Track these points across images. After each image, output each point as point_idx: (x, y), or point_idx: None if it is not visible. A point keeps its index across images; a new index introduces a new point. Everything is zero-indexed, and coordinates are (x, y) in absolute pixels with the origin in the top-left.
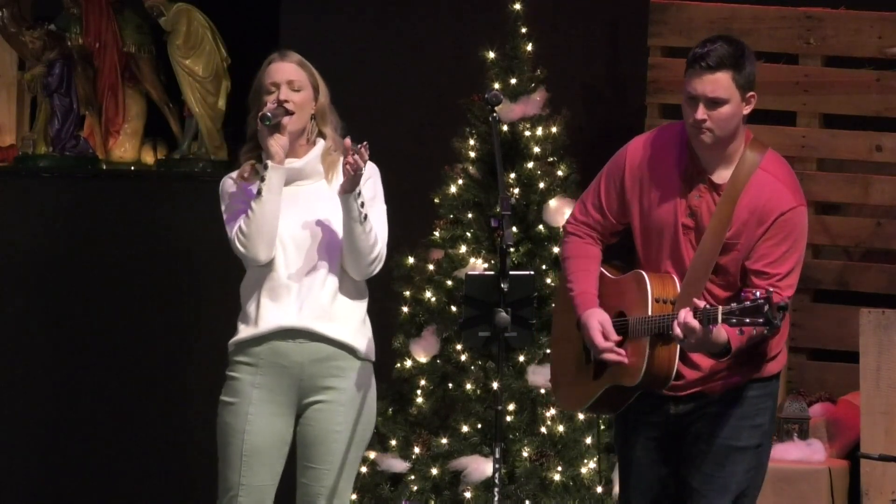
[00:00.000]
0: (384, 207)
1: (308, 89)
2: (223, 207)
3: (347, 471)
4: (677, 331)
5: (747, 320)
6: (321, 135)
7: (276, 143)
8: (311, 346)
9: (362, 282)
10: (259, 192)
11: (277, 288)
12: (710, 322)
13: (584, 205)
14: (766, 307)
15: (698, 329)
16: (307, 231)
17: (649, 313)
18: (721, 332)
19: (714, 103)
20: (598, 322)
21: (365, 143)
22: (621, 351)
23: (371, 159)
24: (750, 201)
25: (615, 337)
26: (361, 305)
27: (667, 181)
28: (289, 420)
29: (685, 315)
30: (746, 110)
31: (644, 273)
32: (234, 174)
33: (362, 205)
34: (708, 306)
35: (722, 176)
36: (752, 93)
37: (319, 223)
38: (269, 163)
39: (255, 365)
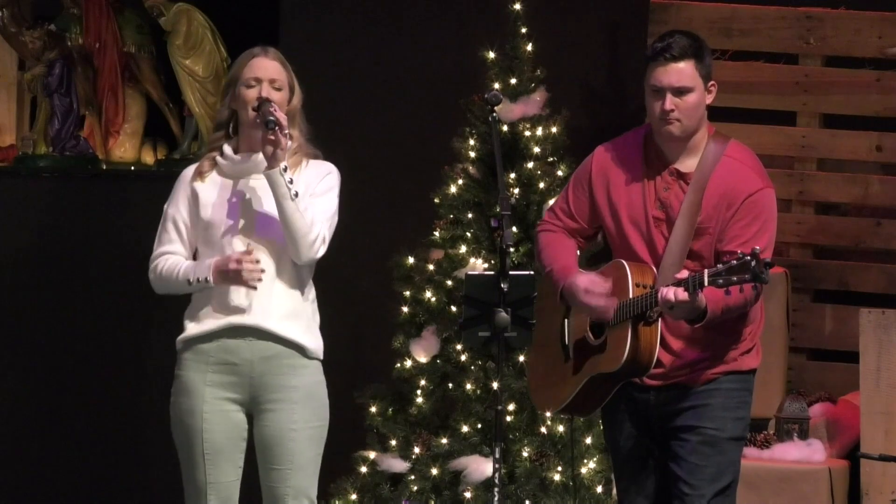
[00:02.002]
0: (336, 202)
1: (286, 90)
2: (167, 205)
3: (310, 468)
4: (668, 294)
5: (734, 278)
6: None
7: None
8: (260, 343)
9: (310, 281)
10: (191, 282)
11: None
12: (698, 287)
13: (553, 212)
14: (754, 262)
15: (685, 299)
16: (259, 227)
17: (630, 297)
18: (701, 297)
19: (680, 92)
20: (586, 279)
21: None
22: (611, 299)
23: (372, 159)
24: (718, 186)
25: (606, 285)
26: (311, 305)
27: (634, 178)
28: (243, 415)
29: (666, 291)
30: (709, 100)
31: (623, 260)
32: (194, 168)
33: (291, 181)
34: (694, 273)
35: (688, 165)
36: (712, 82)
37: (271, 220)
38: (209, 277)
39: (205, 363)
